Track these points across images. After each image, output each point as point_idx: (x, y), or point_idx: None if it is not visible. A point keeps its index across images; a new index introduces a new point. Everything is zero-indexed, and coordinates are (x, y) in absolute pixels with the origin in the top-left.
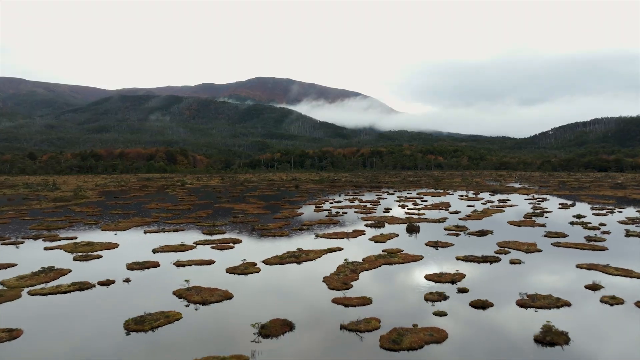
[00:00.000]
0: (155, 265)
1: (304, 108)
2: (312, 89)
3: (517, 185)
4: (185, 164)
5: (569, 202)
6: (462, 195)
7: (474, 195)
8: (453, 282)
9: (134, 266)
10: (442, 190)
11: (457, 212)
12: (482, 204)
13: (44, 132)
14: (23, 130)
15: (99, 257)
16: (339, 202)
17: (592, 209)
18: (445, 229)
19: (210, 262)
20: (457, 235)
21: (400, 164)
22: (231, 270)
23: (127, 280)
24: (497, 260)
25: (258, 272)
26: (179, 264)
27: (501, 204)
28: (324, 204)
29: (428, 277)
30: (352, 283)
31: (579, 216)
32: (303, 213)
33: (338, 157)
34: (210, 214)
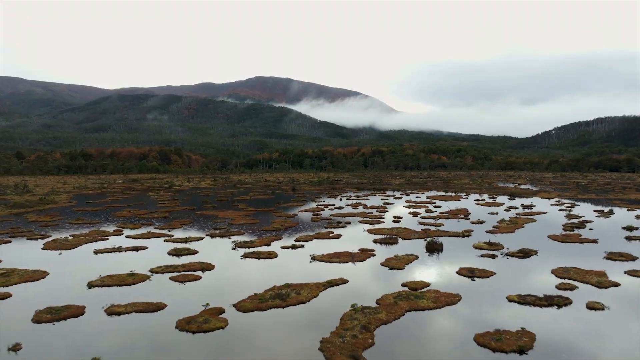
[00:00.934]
0: (78, 313)
1: (303, 107)
2: (311, 88)
3: (533, 188)
4: (179, 163)
5: (605, 209)
6: (477, 200)
7: (491, 200)
8: (522, 351)
9: (43, 316)
10: (454, 194)
11: (481, 222)
12: (505, 210)
13: (40, 132)
14: (19, 130)
15: (7, 296)
16: (340, 207)
17: (638, 217)
18: (476, 248)
19: (158, 308)
20: (493, 257)
21: (402, 163)
22: (184, 325)
23: (15, 349)
24: (567, 302)
25: (223, 327)
26: (112, 311)
27: (527, 210)
28: (323, 210)
29: (481, 341)
30: (364, 354)
31: (630, 228)
32: (298, 223)
33: (338, 157)
34: (187, 224)
